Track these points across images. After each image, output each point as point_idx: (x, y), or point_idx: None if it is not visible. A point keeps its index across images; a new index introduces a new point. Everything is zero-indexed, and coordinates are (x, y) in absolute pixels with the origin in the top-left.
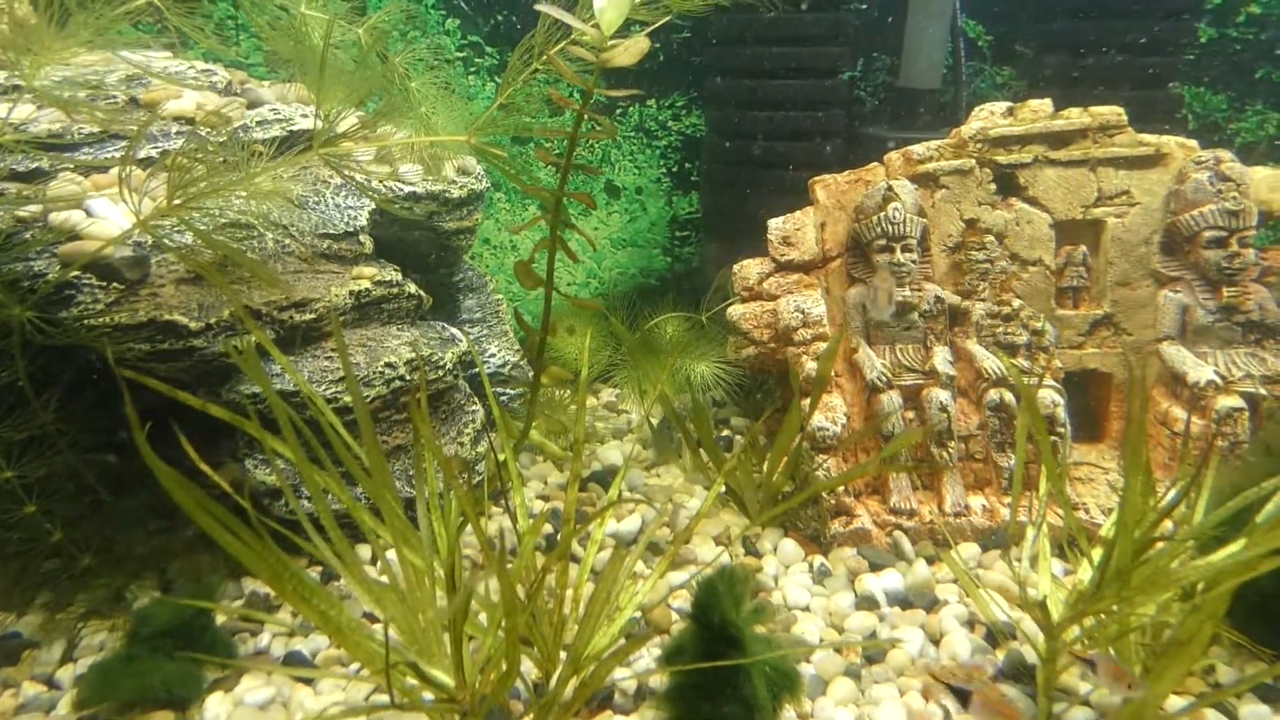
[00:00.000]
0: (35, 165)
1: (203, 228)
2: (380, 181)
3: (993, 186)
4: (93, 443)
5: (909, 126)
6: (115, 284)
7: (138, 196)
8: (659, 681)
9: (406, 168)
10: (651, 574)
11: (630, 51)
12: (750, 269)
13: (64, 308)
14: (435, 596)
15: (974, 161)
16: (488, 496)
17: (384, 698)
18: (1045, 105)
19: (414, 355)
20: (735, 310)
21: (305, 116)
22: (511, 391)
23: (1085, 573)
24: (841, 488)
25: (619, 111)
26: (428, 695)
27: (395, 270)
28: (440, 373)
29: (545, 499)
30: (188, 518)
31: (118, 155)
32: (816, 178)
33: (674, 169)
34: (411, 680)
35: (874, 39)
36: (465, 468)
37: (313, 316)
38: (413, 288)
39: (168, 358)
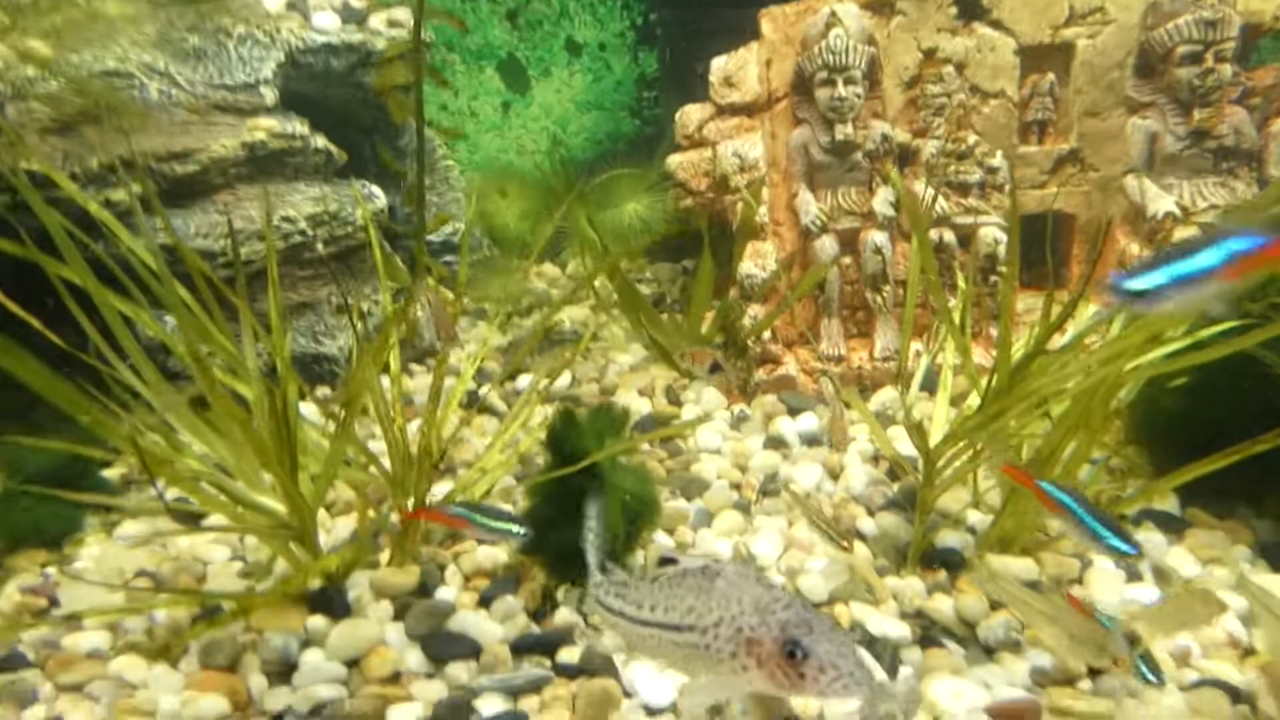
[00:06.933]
0: None
1: (72, 72)
2: (291, 31)
3: (953, 10)
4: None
5: None
6: None
7: None
8: None
9: (323, 16)
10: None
11: None
12: (690, 115)
13: None
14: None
15: None
16: (409, 358)
17: (255, 540)
18: None
19: (319, 210)
20: (673, 159)
21: None
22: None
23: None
24: (768, 335)
25: None
26: (261, 521)
27: (301, 123)
28: (350, 229)
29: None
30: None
31: None
32: (764, 9)
33: (638, 22)
34: (251, 512)
35: None
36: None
37: (196, 168)
38: (321, 142)
39: (29, 210)
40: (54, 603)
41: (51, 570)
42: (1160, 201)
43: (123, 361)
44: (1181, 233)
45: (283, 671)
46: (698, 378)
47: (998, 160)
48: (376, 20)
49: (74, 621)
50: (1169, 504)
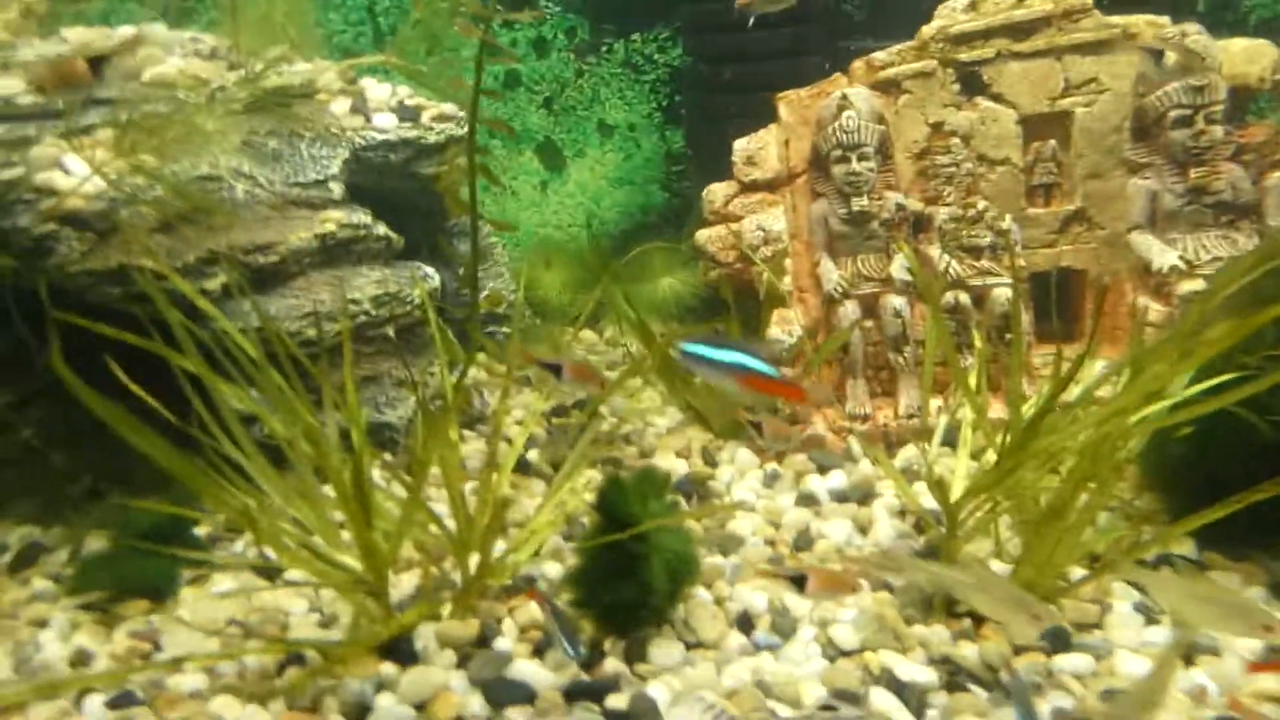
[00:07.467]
0: (21, 134)
1: (172, 180)
2: (355, 131)
3: (956, 87)
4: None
5: (897, 36)
6: (90, 234)
7: (109, 154)
8: None
9: (381, 116)
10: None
11: None
12: (716, 192)
13: (45, 258)
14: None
15: (936, 63)
16: (460, 424)
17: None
18: None
19: (380, 292)
20: (701, 234)
21: (280, 75)
22: (508, 330)
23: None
24: None
25: (604, 49)
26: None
27: (365, 213)
28: (409, 308)
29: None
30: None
31: (97, 120)
32: (781, 94)
33: (664, 103)
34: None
35: None
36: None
37: (277, 259)
38: (382, 229)
39: (140, 300)
40: (157, 647)
41: (155, 618)
42: (1165, 256)
43: (223, 433)
44: (1188, 285)
45: (359, 714)
46: (732, 439)
47: (1007, 223)
48: (427, 117)
49: (175, 664)
50: (1186, 548)
